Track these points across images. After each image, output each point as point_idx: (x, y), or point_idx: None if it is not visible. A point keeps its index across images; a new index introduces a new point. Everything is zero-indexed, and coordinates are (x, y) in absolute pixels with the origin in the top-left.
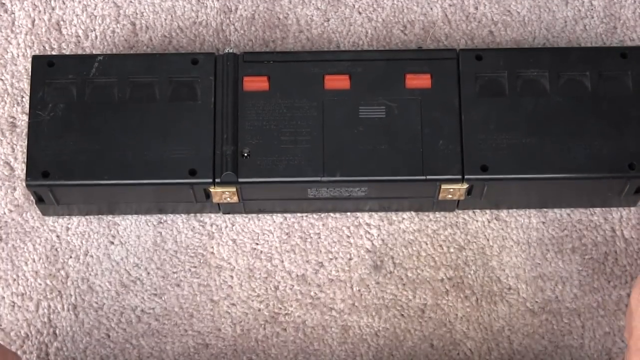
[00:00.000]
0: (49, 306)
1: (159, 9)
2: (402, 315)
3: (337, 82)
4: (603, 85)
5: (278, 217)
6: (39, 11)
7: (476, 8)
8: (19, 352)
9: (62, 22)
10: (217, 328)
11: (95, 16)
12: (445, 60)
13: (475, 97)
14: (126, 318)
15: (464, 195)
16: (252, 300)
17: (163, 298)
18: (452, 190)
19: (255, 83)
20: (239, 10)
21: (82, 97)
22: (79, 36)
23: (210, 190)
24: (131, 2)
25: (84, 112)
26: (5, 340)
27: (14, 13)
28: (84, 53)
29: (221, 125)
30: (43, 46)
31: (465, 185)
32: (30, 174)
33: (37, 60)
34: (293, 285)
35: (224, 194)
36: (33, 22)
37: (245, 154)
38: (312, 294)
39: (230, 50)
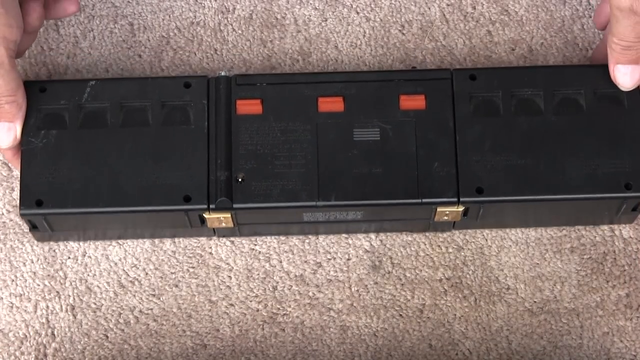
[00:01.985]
0: (47, 307)
1: (156, 9)
2: (401, 315)
3: (331, 104)
4: (598, 103)
5: None
6: None
7: (474, 8)
8: (17, 353)
9: (60, 23)
10: (215, 328)
11: (93, 16)
12: (439, 80)
13: (470, 118)
14: (124, 319)
15: (459, 217)
16: (251, 301)
17: (161, 299)
18: (447, 212)
19: (248, 106)
20: (237, 10)
21: (74, 123)
22: (77, 36)
23: (205, 216)
24: (129, 2)
25: (77, 139)
26: (3, 341)
27: None
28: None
29: (215, 150)
30: (41, 46)
31: (461, 208)
32: (24, 203)
33: (28, 86)
34: (291, 286)
35: (219, 219)
36: None
37: (240, 179)
38: (310, 294)
39: (224, 74)
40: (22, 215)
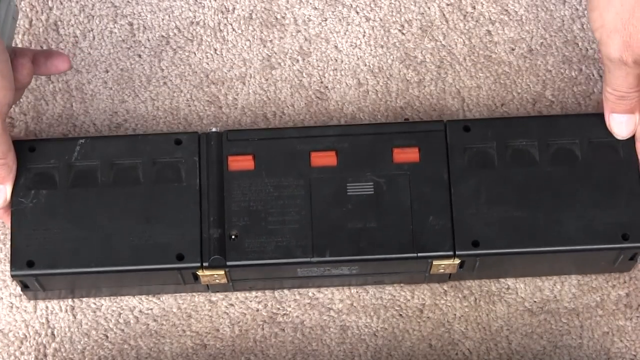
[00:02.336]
0: (47, 307)
1: (156, 9)
2: (401, 315)
3: (324, 158)
4: (593, 153)
5: None
6: (37, 11)
7: (474, 7)
8: (16, 353)
9: (59, 23)
10: (215, 328)
11: (93, 16)
12: (432, 132)
13: (465, 170)
14: (124, 319)
15: (455, 270)
16: (251, 301)
17: (161, 298)
18: (443, 265)
19: (240, 162)
20: (237, 10)
21: (64, 182)
22: (77, 36)
23: (199, 273)
24: (129, 2)
25: (67, 198)
26: (3, 341)
27: None
28: (68, 134)
29: (207, 207)
30: (41, 46)
31: (457, 261)
32: (15, 264)
33: (17, 145)
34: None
35: (212, 276)
36: (30, 22)
37: (233, 236)
38: (310, 294)
39: (215, 130)
40: (14, 277)
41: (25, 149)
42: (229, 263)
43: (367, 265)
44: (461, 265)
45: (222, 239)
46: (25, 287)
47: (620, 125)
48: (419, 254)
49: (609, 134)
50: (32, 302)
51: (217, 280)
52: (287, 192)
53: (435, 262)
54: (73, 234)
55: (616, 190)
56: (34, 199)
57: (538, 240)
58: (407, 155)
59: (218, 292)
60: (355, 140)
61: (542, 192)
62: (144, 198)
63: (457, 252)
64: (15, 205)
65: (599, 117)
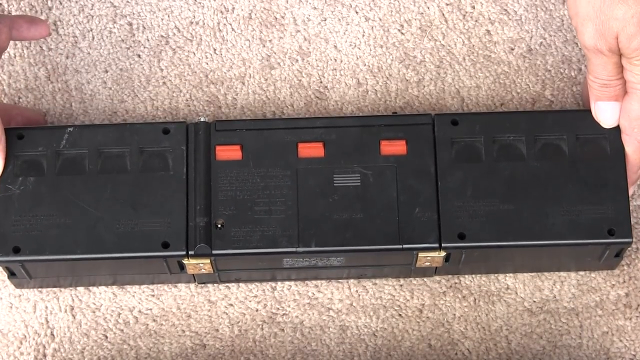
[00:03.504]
0: (46, 307)
1: (155, 8)
2: (400, 315)
3: (311, 149)
4: (580, 148)
5: None
6: (36, 11)
7: (473, 7)
8: (16, 354)
9: (59, 22)
10: (214, 328)
11: (92, 16)
12: (420, 125)
13: (452, 163)
14: (123, 319)
15: (441, 263)
16: (250, 301)
17: (160, 299)
18: (429, 258)
19: (227, 152)
20: (236, 9)
21: (52, 169)
22: (76, 36)
23: (184, 262)
24: (128, 2)
25: (55, 185)
26: (2, 342)
27: (10, 13)
28: (59, 122)
29: (194, 196)
30: (40, 46)
31: (443, 254)
32: (1, 250)
33: (6, 133)
34: (291, 286)
35: (198, 265)
36: None
37: (219, 225)
38: (309, 294)
39: (203, 119)
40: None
41: (14, 137)
42: (214, 252)
43: (353, 256)
44: (447, 258)
45: (208, 227)
46: (12, 274)
47: (605, 114)
48: (405, 246)
49: (597, 129)
50: (31, 302)
51: (202, 270)
52: (274, 183)
53: (421, 254)
54: (60, 221)
55: (603, 186)
56: (21, 186)
57: (524, 234)
58: (394, 147)
59: (204, 283)
60: (342, 132)
61: (528, 187)
62: (131, 186)
63: (442, 245)
64: (2, 191)
65: (587, 113)
